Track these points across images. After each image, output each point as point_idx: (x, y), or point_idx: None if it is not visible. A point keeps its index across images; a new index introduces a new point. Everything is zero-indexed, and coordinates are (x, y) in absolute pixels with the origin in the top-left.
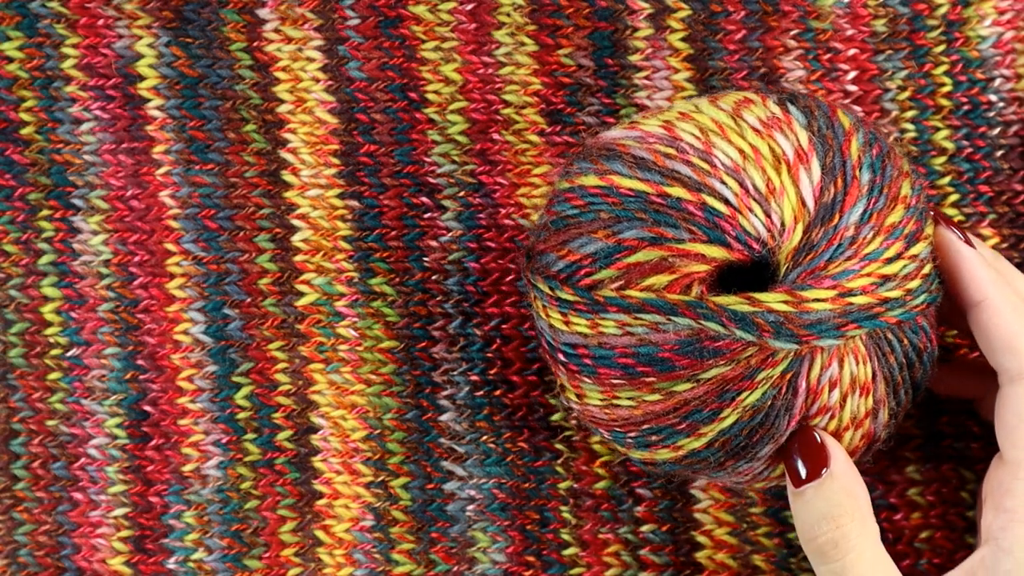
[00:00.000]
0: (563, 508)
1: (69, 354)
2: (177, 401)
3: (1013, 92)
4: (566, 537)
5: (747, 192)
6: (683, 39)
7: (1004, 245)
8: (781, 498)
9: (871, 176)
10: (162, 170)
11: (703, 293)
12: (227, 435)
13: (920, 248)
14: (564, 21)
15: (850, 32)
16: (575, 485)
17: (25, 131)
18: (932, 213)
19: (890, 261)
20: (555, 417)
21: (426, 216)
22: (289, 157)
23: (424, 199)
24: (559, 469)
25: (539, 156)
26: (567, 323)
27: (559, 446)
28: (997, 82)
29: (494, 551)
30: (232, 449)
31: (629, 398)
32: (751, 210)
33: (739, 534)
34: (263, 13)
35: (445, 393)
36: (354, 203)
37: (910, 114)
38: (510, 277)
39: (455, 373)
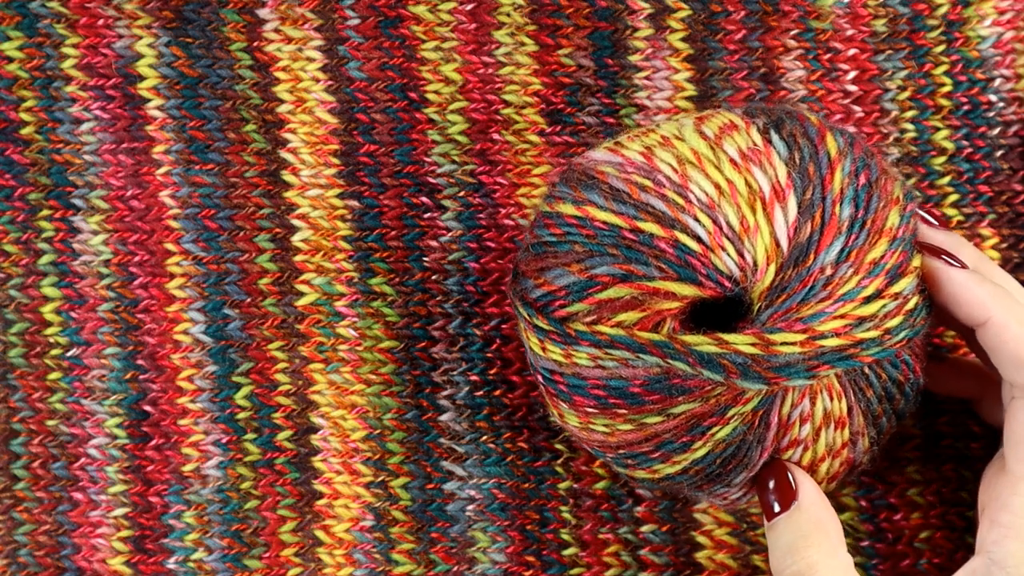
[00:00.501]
0: (563, 508)
1: (69, 354)
2: (177, 401)
3: (1013, 92)
4: (566, 537)
5: (720, 230)
6: (683, 39)
7: (1004, 245)
8: None
9: (852, 211)
10: (162, 170)
11: (674, 330)
12: (227, 435)
13: (904, 284)
14: (564, 21)
15: (850, 32)
16: (575, 485)
17: (25, 131)
18: (916, 243)
19: (868, 300)
20: None
21: (426, 216)
22: (289, 157)
23: (424, 199)
24: (559, 469)
25: (539, 156)
26: (543, 350)
27: (559, 446)
28: (997, 82)
29: (494, 551)
30: (232, 449)
31: (603, 425)
32: (723, 248)
33: (739, 534)
34: (263, 13)
35: (445, 393)
36: (354, 203)
37: (910, 114)
38: (510, 277)
39: (455, 373)
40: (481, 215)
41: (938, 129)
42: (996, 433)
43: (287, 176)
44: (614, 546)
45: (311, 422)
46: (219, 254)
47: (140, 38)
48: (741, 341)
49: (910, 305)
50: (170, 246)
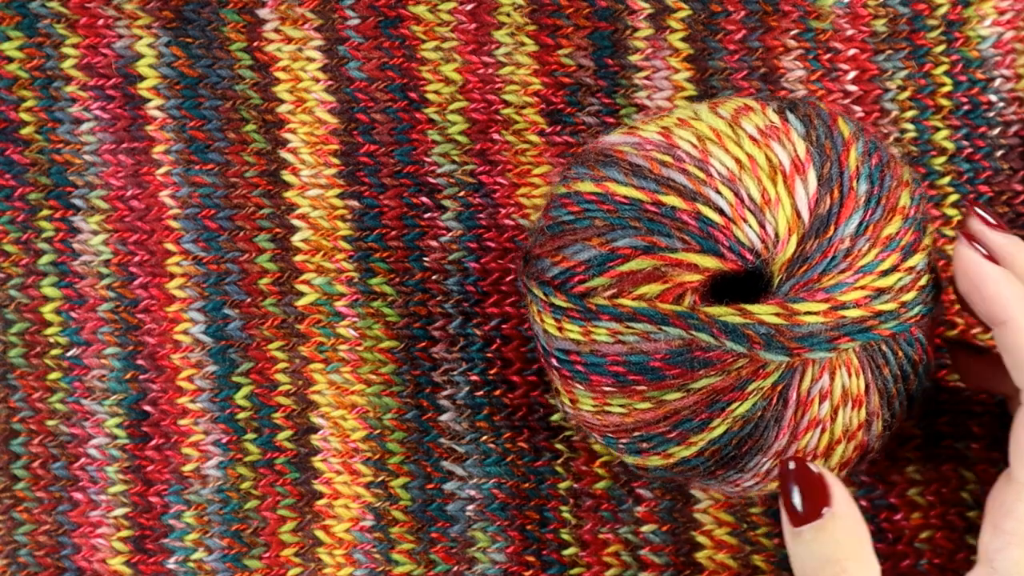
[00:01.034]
0: (563, 508)
1: (69, 354)
2: (177, 401)
3: (1013, 92)
4: (566, 537)
5: (742, 202)
6: (683, 39)
7: None
8: None
9: (869, 187)
10: (162, 170)
11: (696, 303)
12: (227, 435)
13: (917, 260)
14: (564, 21)
15: (850, 32)
16: (575, 485)
17: (25, 131)
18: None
19: (885, 273)
20: (555, 417)
21: (426, 216)
22: (289, 157)
23: (424, 199)
24: (559, 469)
25: (539, 156)
26: (560, 329)
27: (559, 446)
28: (997, 82)
29: (494, 551)
30: (232, 449)
31: (620, 405)
32: (745, 220)
33: (739, 534)
34: (263, 13)
35: (445, 393)
36: (354, 203)
37: (910, 114)
38: (510, 277)
39: (455, 373)
40: (481, 215)
41: (938, 129)
42: (996, 433)
43: (287, 176)
44: (614, 546)
45: (311, 422)
46: (219, 254)
47: (140, 38)
48: (764, 311)
49: (923, 281)
50: (170, 246)
